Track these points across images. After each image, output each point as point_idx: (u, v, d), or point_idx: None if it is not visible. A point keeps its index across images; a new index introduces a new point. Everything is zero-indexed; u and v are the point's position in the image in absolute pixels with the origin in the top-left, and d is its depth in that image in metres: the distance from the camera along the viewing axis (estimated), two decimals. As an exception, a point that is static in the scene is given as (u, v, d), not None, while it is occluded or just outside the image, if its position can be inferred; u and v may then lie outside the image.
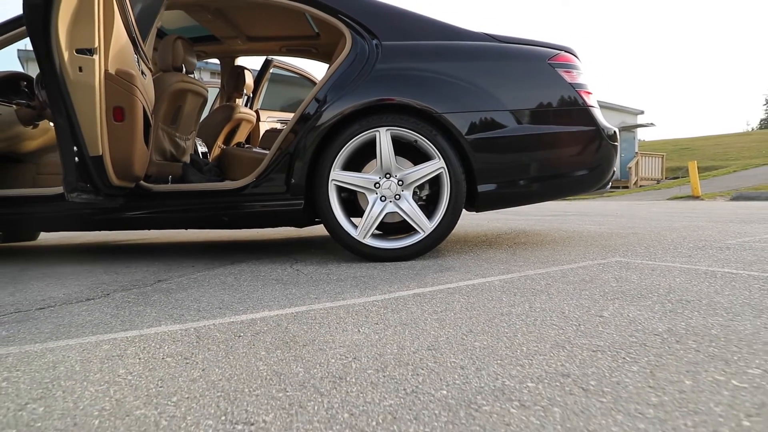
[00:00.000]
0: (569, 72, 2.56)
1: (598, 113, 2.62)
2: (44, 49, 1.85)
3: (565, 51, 2.64)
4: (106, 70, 2.00)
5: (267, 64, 4.44)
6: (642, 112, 24.24)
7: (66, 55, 1.88)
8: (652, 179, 21.04)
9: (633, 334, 1.17)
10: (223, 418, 0.80)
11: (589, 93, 2.61)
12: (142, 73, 2.31)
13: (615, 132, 2.66)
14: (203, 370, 1.02)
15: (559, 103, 2.51)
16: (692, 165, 13.09)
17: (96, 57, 1.92)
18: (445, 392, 0.87)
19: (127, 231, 4.79)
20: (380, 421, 0.78)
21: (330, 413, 0.81)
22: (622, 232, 3.61)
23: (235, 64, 4.03)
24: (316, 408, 0.83)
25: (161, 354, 1.13)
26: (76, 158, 2.00)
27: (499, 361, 1.02)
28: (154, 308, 1.59)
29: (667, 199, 12.53)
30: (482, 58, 2.53)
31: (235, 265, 2.44)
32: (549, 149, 2.50)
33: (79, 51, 1.91)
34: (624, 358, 1.02)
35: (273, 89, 4.77)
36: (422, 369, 0.99)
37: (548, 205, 9.83)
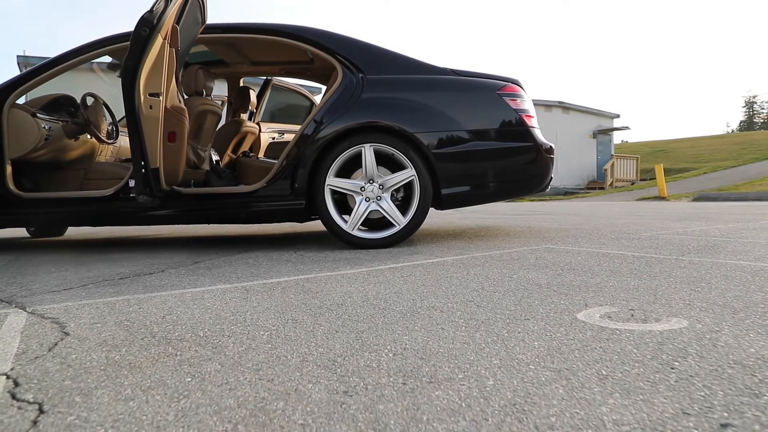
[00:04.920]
0: (514, 100, 3.26)
1: (537, 132, 3.32)
2: (130, 94, 2.51)
3: (512, 83, 3.34)
4: (165, 106, 2.66)
5: (267, 83, 5.10)
6: (618, 116, 25.26)
7: (142, 98, 2.54)
8: (627, 180, 22.04)
9: (524, 285, 1.86)
10: (280, 318, 1.47)
11: (530, 116, 3.31)
12: (179, 101, 2.96)
13: (551, 147, 3.37)
14: (258, 303, 1.69)
15: (505, 124, 3.21)
16: (659, 168, 13.99)
17: (161, 98, 2.59)
18: (401, 308, 1.55)
19: (132, 228, 5.42)
20: (364, 318, 1.45)
21: (337, 315, 1.48)
22: (568, 227, 4.33)
23: (241, 85, 4.68)
24: (328, 314, 1.50)
25: (227, 297, 1.79)
26: (143, 170, 2.65)
27: (435, 297, 1.70)
28: (206, 277, 2.25)
29: (636, 200, 13.39)
30: (445, 89, 3.23)
31: (249, 252, 3.09)
32: (497, 161, 3.20)
33: (150, 95, 2.57)
34: (510, 295, 1.70)
35: (272, 96, 5.46)
36: (389, 300, 1.67)
37: (522, 205, 10.59)
